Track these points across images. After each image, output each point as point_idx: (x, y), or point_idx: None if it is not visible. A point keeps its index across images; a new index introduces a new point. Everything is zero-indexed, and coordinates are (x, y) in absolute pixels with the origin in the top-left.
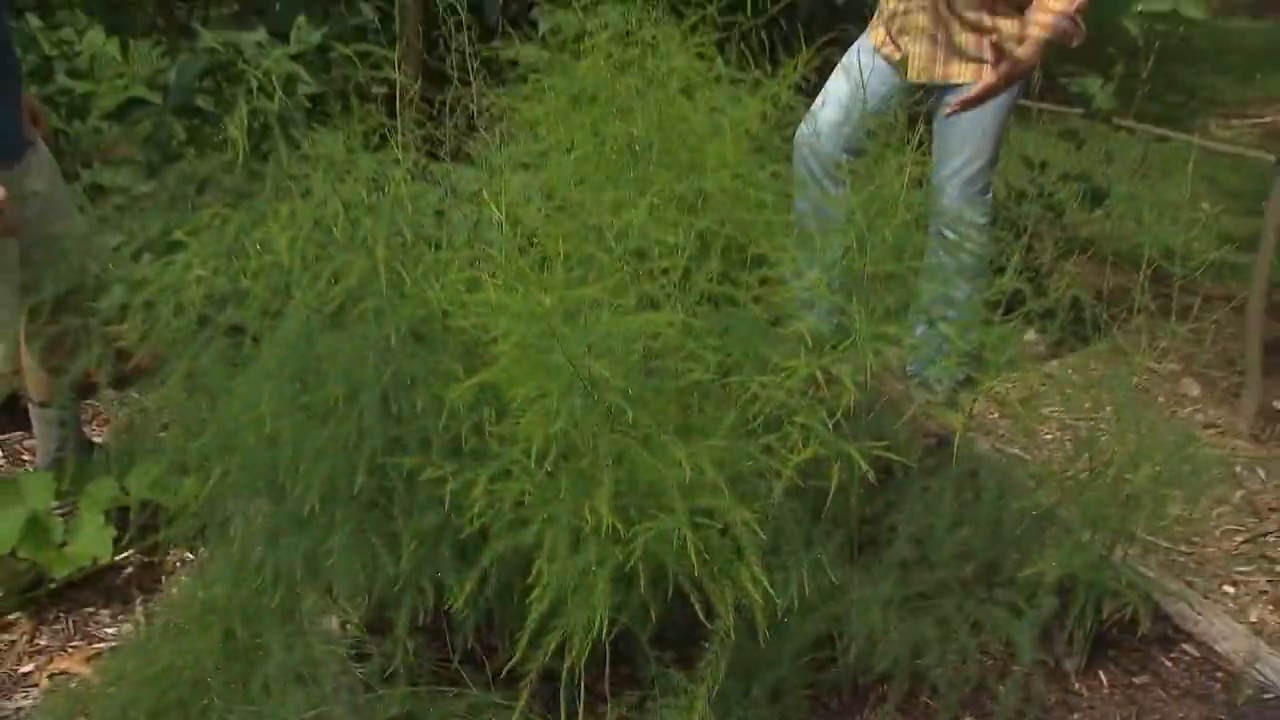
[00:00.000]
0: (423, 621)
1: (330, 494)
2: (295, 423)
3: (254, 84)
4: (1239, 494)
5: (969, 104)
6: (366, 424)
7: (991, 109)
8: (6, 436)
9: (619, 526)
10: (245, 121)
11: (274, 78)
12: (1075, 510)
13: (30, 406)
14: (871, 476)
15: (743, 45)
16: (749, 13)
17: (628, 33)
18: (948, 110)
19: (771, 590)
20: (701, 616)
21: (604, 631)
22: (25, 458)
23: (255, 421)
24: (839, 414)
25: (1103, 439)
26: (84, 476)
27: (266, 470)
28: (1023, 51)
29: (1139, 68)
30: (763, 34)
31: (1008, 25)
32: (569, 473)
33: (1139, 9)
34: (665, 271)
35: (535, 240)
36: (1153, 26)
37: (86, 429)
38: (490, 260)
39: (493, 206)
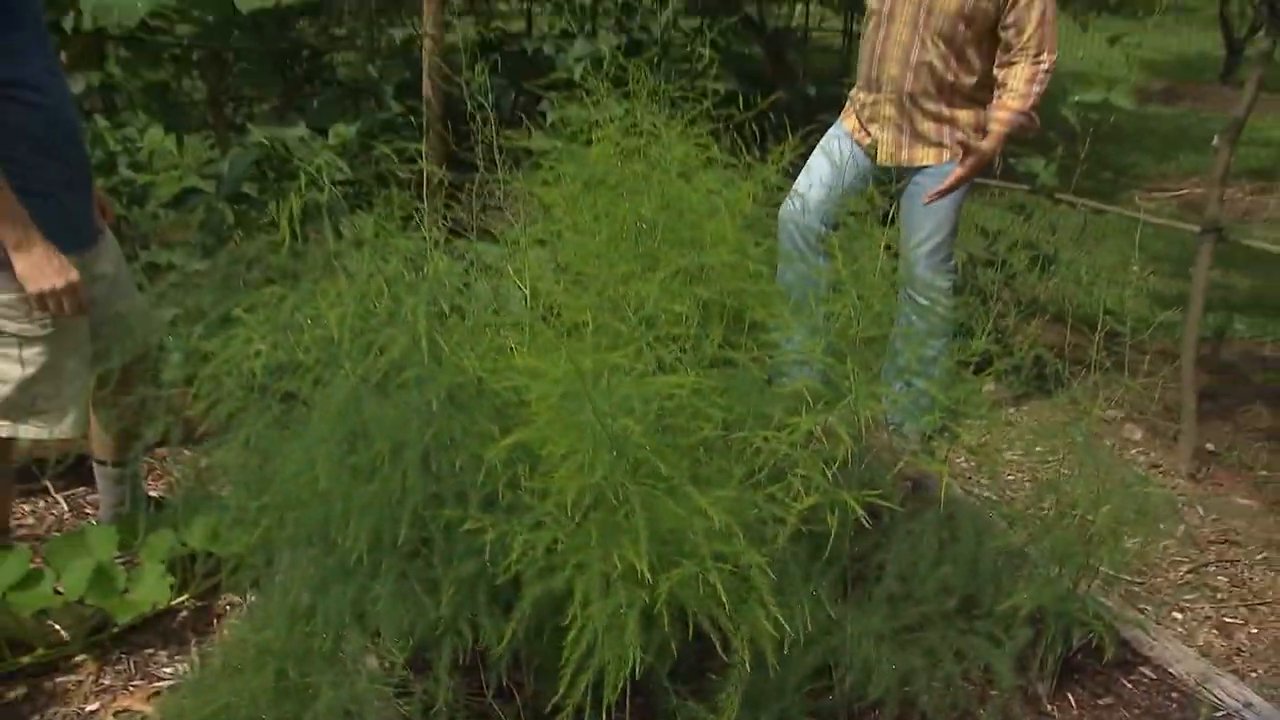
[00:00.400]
0: (460, 660)
1: (375, 545)
2: (344, 481)
3: (302, 175)
4: (1181, 529)
5: (943, 192)
6: (410, 481)
7: (956, 195)
8: (72, 492)
9: (648, 572)
10: (295, 209)
11: (318, 169)
12: (1044, 548)
13: (95, 465)
14: (866, 521)
15: (735, 134)
16: (741, 107)
17: (633, 124)
18: (925, 197)
19: (781, 626)
20: (720, 651)
21: (636, 669)
22: (88, 511)
23: (309, 480)
24: (836, 464)
25: (1065, 483)
26: (144, 529)
27: (318, 524)
28: (986, 145)
29: (1077, 149)
30: (752, 124)
31: (965, 115)
32: (598, 523)
33: (1075, 99)
34: (675, 338)
35: (556, 310)
36: (1087, 114)
37: (143, 484)
38: (518, 330)
39: (515, 280)
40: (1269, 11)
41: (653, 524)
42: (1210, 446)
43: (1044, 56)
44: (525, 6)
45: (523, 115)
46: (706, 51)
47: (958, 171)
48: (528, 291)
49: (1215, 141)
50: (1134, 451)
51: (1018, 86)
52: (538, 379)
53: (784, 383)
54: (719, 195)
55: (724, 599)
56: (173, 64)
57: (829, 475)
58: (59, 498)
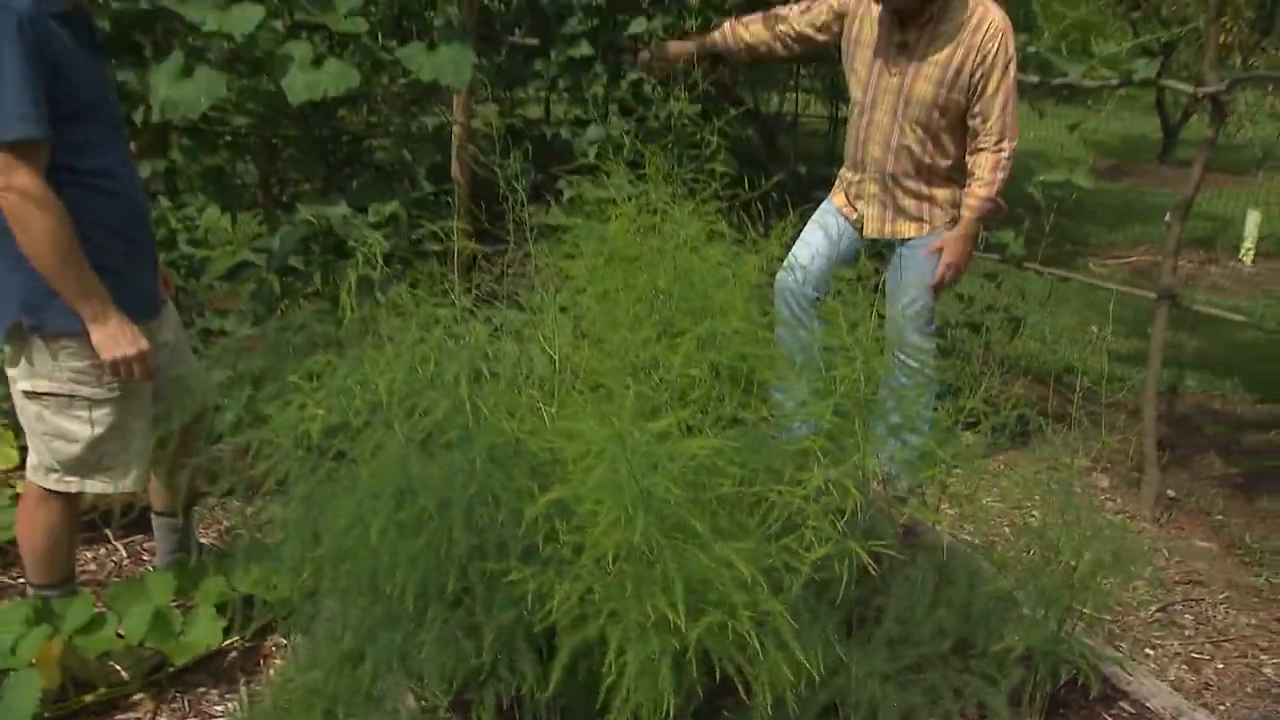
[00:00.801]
0: (500, 703)
1: (421, 594)
2: (393, 535)
3: (350, 250)
4: (1149, 570)
5: (942, 285)
6: (454, 535)
7: (933, 261)
8: (130, 539)
9: (680, 621)
10: (349, 284)
11: (362, 244)
12: (1031, 592)
13: (154, 515)
14: (873, 569)
15: (739, 212)
16: (745, 186)
17: (646, 203)
18: (924, 251)
19: (800, 668)
20: (741, 693)
21: (669, 711)
22: (145, 557)
23: (360, 534)
24: (845, 517)
25: (1048, 531)
26: (197, 575)
27: (367, 575)
28: (962, 231)
29: (1042, 222)
30: (755, 202)
31: (942, 193)
32: (632, 575)
33: (1040, 179)
34: (694, 400)
35: (581, 373)
36: (1050, 191)
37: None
38: (547, 393)
39: (544, 345)
40: (1211, 105)
41: (684, 575)
42: (1171, 493)
43: (1004, 144)
44: (544, 95)
45: (544, 193)
46: (715, 139)
47: (945, 259)
48: (556, 356)
49: (1168, 217)
50: (1102, 498)
51: (984, 175)
52: (572, 440)
53: (788, 438)
54: (727, 268)
55: (751, 645)
56: (228, 150)
57: (837, 527)
58: (118, 545)
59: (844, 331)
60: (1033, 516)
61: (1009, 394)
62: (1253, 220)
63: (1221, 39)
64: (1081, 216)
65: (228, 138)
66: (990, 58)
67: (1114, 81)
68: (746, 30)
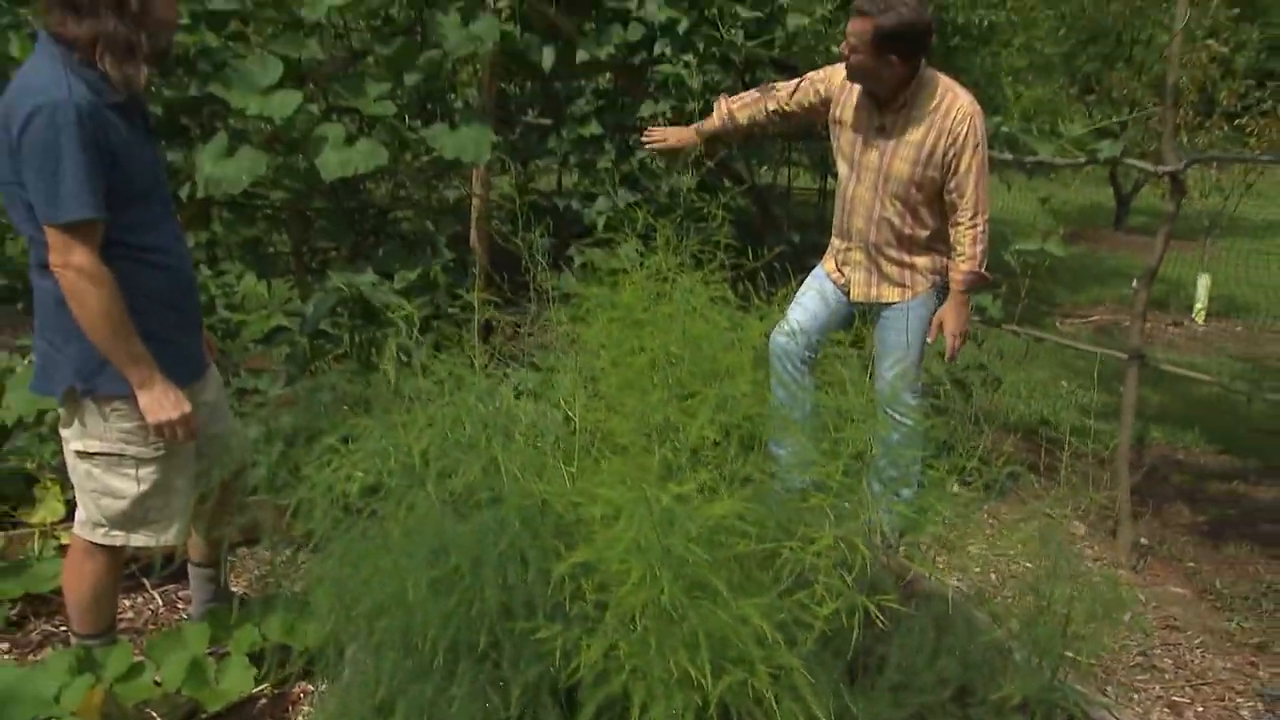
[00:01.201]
0: None
1: (452, 649)
2: (426, 592)
3: (377, 315)
4: (1127, 615)
5: (955, 353)
6: (486, 593)
7: (916, 322)
8: (165, 588)
9: (704, 679)
10: (367, 345)
11: (387, 308)
12: (1027, 642)
13: (190, 566)
14: (881, 622)
15: (742, 278)
16: (748, 255)
17: (658, 271)
18: (917, 327)
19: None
20: None
21: None
22: (179, 605)
23: (396, 591)
24: (854, 573)
25: (1040, 582)
26: (231, 624)
27: (401, 629)
28: (955, 303)
29: (1018, 286)
30: (760, 272)
31: (922, 261)
32: (656, 632)
33: (1015, 248)
34: (709, 460)
35: (598, 435)
36: (1025, 260)
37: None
38: (566, 455)
39: (564, 406)
40: (1170, 181)
41: (705, 632)
42: (1144, 540)
43: (979, 219)
44: (557, 169)
45: (557, 261)
46: (719, 212)
47: (950, 331)
48: (575, 418)
49: (1135, 284)
50: (1080, 545)
51: (966, 250)
52: (595, 501)
53: (788, 491)
54: (733, 332)
55: (770, 700)
56: (265, 222)
57: (845, 581)
58: (154, 594)
59: (845, 393)
60: (1018, 564)
61: (999, 450)
62: (1203, 283)
63: None
64: (1046, 279)
65: (265, 211)
66: (961, 139)
67: (1081, 159)
68: (740, 112)
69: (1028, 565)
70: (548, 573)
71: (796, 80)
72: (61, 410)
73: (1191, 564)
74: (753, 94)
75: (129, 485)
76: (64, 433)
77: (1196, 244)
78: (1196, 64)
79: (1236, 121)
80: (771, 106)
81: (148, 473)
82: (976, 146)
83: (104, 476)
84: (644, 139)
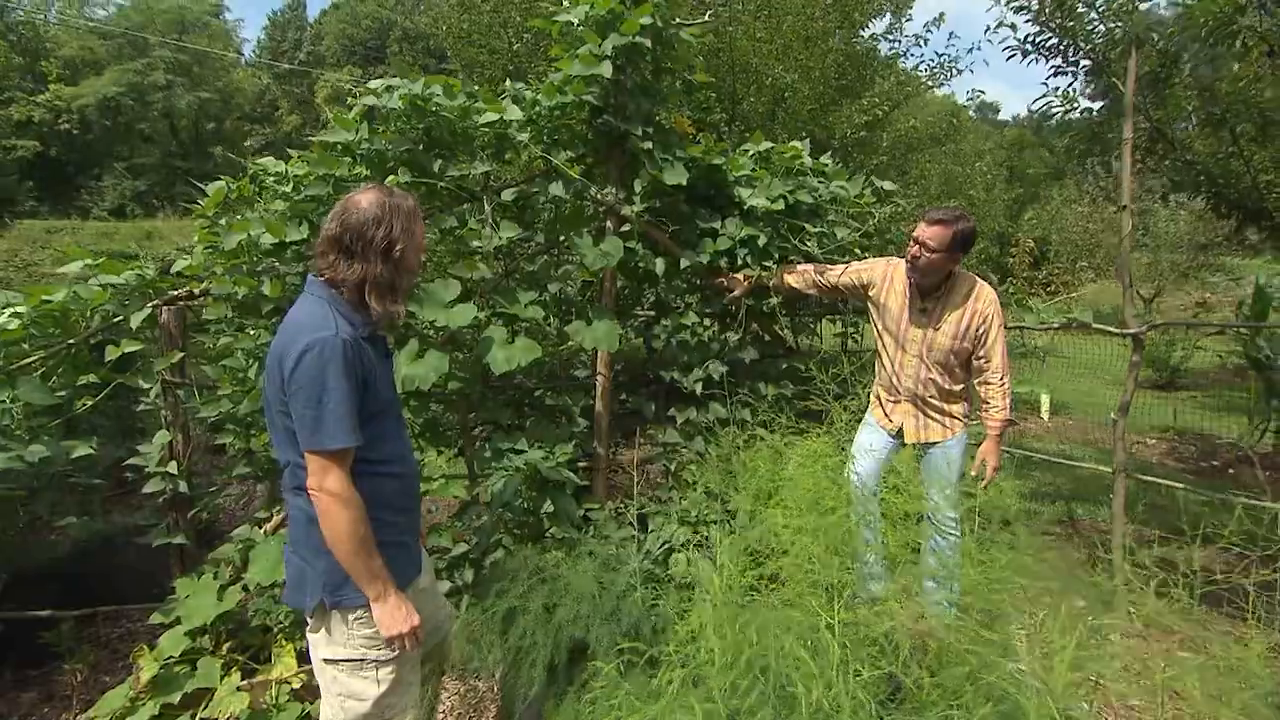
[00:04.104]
0: None
1: None
2: None
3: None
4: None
5: (990, 481)
6: None
7: (959, 456)
8: None
9: None
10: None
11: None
12: None
13: None
14: None
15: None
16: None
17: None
18: (957, 462)
19: None
20: None
21: None
22: None
23: None
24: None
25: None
26: None
27: None
28: (991, 447)
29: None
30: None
31: (957, 407)
32: None
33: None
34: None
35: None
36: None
37: None
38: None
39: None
40: (1133, 340)
41: None
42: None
43: (1006, 378)
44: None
45: (661, 419)
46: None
47: (990, 465)
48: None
49: (1114, 415)
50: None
51: (998, 403)
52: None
53: (867, 595)
54: (831, 475)
55: None
56: (440, 405)
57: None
58: None
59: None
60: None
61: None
62: (1045, 396)
63: None
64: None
65: (440, 396)
66: (989, 319)
67: (1055, 324)
68: (790, 278)
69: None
70: None
71: (844, 266)
72: (309, 619)
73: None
74: (807, 267)
75: (370, 687)
76: (311, 638)
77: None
78: None
79: None
80: (822, 281)
81: (386, 674)
82: (1000, 324)
83: (348, 680)
84: (717, 282)
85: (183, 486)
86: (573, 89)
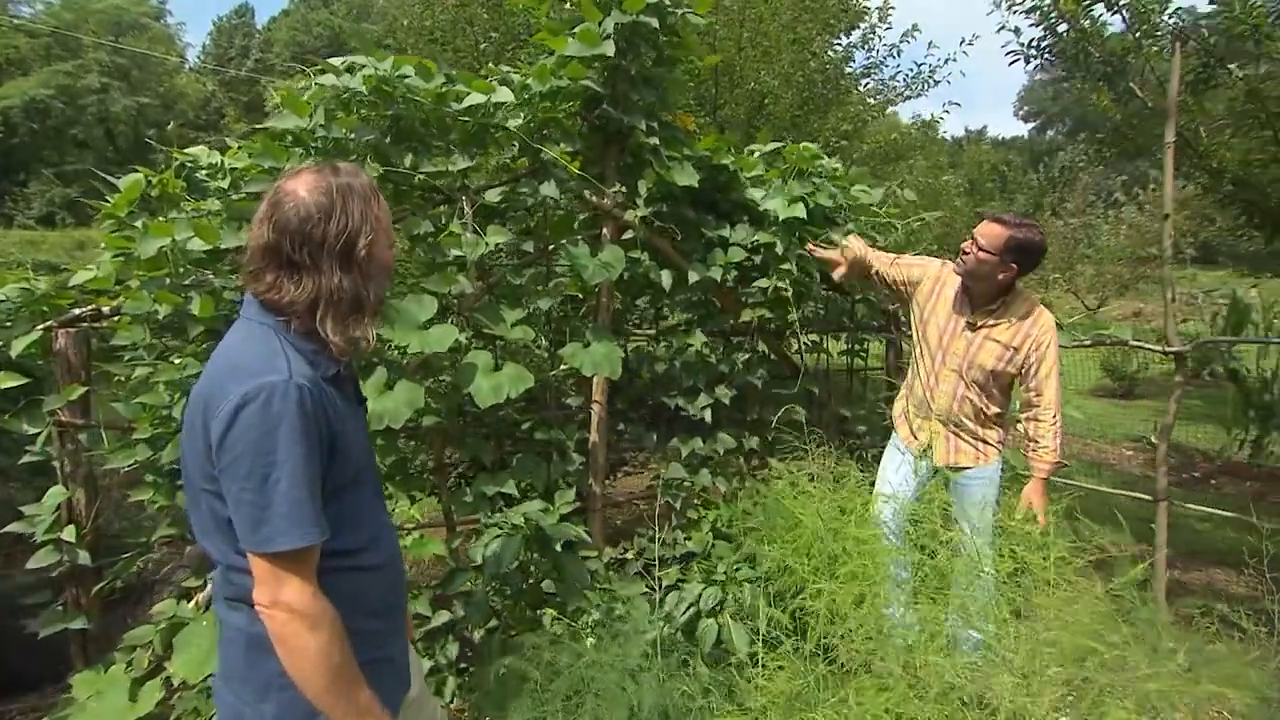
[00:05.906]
0: None
1: None
2: None
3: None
4: None
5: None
6: None
7: (992, 491)
8: None
9: None
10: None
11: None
12: None
13: None
14: None
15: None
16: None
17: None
18: (990, 496)
19: None
20: None
21: None
22: None
23: None
24: None
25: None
26: None
27: None
28: (1038, 488)
29: None
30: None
31: (991, 434)
32: None
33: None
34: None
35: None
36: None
37: None
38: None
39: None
40: (1176, 359)
41: None
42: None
43: (1057, 417)
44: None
45: (662, 452)
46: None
47: (1037, 506)
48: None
49: (1154, 437)
50: None
51: (1048, 443)
52: None
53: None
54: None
55: None
56: (410, 442)
57: None
58: None
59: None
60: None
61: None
62: None
63: None
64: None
65: (411, 431)
66: (1044, 347)
67: (1087, 341)
68: (862, 251)
69: None
70: None
71: (894, 255)
72: None
73: None
74: (863, 243)
75: None
76: None
77: None
78: None
79: None
80: (872, 266)
81: None
82: (1055, 356)
83: None
84: (809, 249)
85: (83, 557)
86: (568, 72)
